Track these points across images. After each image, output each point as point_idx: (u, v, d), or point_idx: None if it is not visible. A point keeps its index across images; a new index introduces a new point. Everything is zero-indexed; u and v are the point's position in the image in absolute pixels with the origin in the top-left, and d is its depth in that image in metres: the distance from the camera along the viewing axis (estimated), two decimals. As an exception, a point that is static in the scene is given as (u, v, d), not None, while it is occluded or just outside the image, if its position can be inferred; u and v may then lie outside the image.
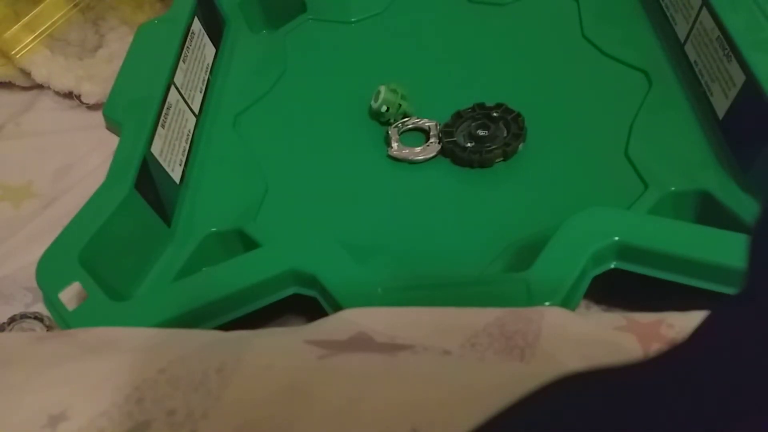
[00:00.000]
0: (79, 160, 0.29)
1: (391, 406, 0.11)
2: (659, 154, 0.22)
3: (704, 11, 0.23)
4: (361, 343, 0.13)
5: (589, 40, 0.27)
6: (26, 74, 0.31)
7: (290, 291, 0.18)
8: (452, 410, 0.10)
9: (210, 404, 0.11)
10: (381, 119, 0.26)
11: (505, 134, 0.24)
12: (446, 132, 0.25)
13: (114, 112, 0.24)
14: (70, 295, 0.18)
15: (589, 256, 0.17)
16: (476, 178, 0.23)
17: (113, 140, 0.23)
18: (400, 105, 0.26)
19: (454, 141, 0.24)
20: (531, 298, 0.16)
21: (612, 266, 0.17)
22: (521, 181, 0.23)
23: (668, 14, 0.26)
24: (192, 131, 0.26)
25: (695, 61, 0.24)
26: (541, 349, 0.12)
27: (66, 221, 0.20)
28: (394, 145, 0.25)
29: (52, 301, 0.18)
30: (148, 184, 0.22)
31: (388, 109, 0.25)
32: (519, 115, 0.24)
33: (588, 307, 0.19)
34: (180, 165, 0.24)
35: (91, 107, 0.31)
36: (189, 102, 0.26)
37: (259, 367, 0.12)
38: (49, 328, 0.22)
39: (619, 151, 0.22)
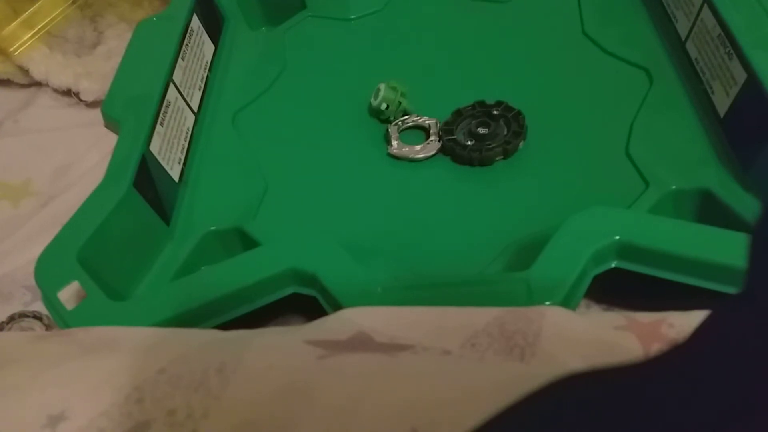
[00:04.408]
0: (77, 158, 0.29)
1: (391, 406, 0.11)
2: (660, 153, 0.22)
3: (705, 9, 0.23)
4: (360, 343, 0.13)
5: (590, 38, 0.27)
6: (24, 71, 0.31)
7: (290, 290, 0.18)
8: (452, 410, 0.10)
9: (210, 404, 0.11)
10: (381, 117, 0.26)
11: (505, 132, 0.24)
12: (446, 130, 0.24)
13: (113, 110, 0.24)
14: (68, 294, 0.18)
15: (589, 255, 0.16)
16: (476, 177, 0.23)
17: (112, 138, 0.23)
18: (399, 103, 0.25)
19: (454, 139, 0.24)
20: (531, 298, 0.16)
21: (612, 266, 0.17)
22: (521, 179, 0.23)
23: (669, 11, 0.26)
24: (191, 129, 0.26)
25: (696, 59, 0.24)
26: (542, 349, 0.12)
27: (65, 220, 0.20)
28: (394, 143, 0.25)
29: (50, 300, 0.18)
30: (146, 182, 0.22)
31: (387, 106, 0.25)
32: (519, 113, 0.24)
33: (588, 306, 0.19)
34: (179, 163, 0.24)
35: (90, 104, 0.31)
36: (188, 100, 0.26)
37: (259, 367, 0.12)
38: (48, 327, 0.22)
39: (619, 150, 0.22)
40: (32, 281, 0.18)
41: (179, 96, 0.25)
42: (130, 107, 0.24)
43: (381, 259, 0.21)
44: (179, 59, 0.26)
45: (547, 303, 0.16)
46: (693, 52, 0.24)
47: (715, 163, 0.21)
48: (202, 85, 0.28)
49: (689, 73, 0.24)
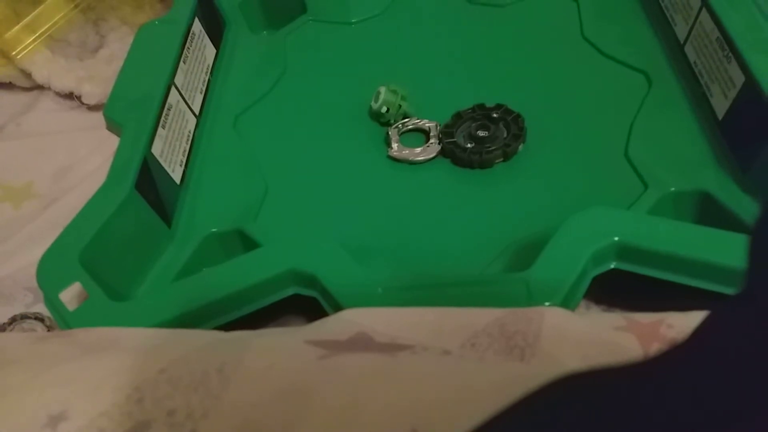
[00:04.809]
0: (79, 160, 0.29)
1: (391, 406, 0.11)
2: (659, 155, 0.22)
3: (704, 12, 0.23)
4: (361, 343, 0.13)
5: (589, 41, 0.27)
6: (27, 75, 0.31)
7: (290, 291, 0.18)
8: (452, 410, 0.10)
9: (210, 404, 0.11)
10: (381, 120, 0.26)
11: (505, 135, 0.24)
12: (446, 133, 0.25)
13: (114, 113, 0.24)
14: (70, 295, 0.18)
15: (589, 256, 0.17)
16: (476, 179, 0.23)
17: (114, 141, 0.23)
18: (400, 106, 0.26)
19: (454, 142, 0.24)
20: (531, 298, 0.16)
21: (612, 266, 0.17)
22: (521, 181, 0.23)
23: (668, 15, 0.26)
24: (192, 132, 0.26)
25: (695, 62, 0.24)
26: (541, 349, 0.12)
27: (66, 222, 0.20)
28: (394, 145, 0.25)
29: (52, 302, 0.18)
30: (148, 184, 0.22)
31: (388, 109, 0.26)
32: (519, 115, 0.24)
33: (588, 307, 0.19)
34: (180, 165, 0.24)
35: (92, 108, 0.31)
36: (189, 102, 0.26)
37: (260, 367, 0.12)
38: (49, 328, 0.22)
39: (618, 152, 0.22)
40: (34, 283, 0.18)
41: (181, 99, 0.26)
42: (131, 110, 0.24)
43: (381, 260, 0.21)
44: (181, 62, 0.26)
45: (547, 303, 0.16)
46: (691, 55, 0.24)
47: (713, 165, 0.21)
48: (204, 88, 0.28)
49: (688, 76, 0.24)
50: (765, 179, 0.19)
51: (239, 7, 0.32)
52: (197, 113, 0.27)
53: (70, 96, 0.31)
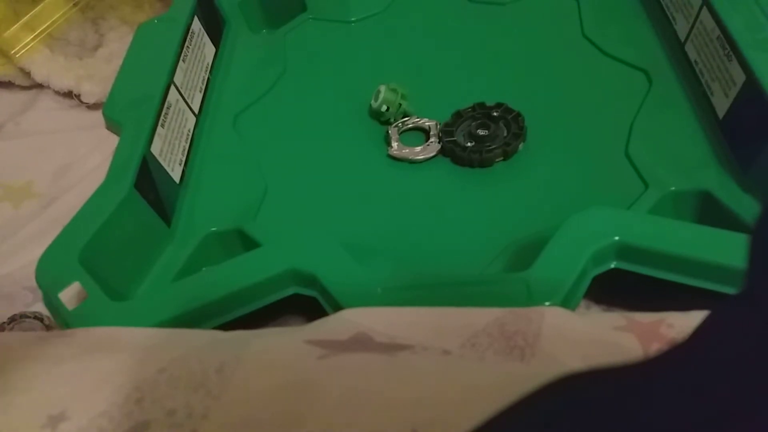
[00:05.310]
0: (79, 159, 0.29)
1: (391, 406, 0.11)
2: (659, 154, 0.22)
3: (704, 11, 0.23)
4: (360, 343, 0.13)
5: (590, 40, 0.27)
6: (26, 74, 0.31)
7: (290, 291, 0.18)
8: (452, 410, 0.10)
9: (210, 404, 0.11)
10: (381, 119, 0.26)
11: (505, 134, 0.24)
12: (446, 131, 0.25)
13: (114, 112, 0.24)
14: (69, 294, 0.18)
15: (589, 256, 0.17)
16: (476, 178, 0.23)
17: (113, 140, 0.23)
18: (400, 104, 0.26)
19: (454, 140, 0.24)
20: (531, 298, 0.16)
21: (612, 266, 0.17)
22: (521, 180, 0.23)
23: (668, 13, 0.26)
24: (192, 131, 0.26)
25: (695, 61, 0.24)
26: (541, 349, 0.12)
27: (66, 221, 0.20)
28: (394, 144, 0.25)
29: (52, 301, 0.18)
30: (147, 183, 0.22)
31: (388, 108, 0.25)
32: (519, 114, 0.24)
33: (588, 307, 0.19)
34: (180, 164, 0.24)
35: (91, 107, 0.31)
36: (189, 101, 0.26)
37: (259, 367, 0.12)
38: (49, 327, 0.22)
39: (619, 151, 0.22)
40: (33, 282, 0.18)
41: (180, 98, 0.26)
42: (131, 109, 0.24)
43: (381, 260, 0.21)
44: (180, 61, 0.26)
45: (547, 303, 0.16)
46: (692, 54, 0.24)
47: (714, 164, 0.21)
48: (203, 87, 0.28)
49: (688, 75, 0.24)
50: (765, 179, 0.19)
51: (239, 5, 0.32)
52: (197, 112, 0.27)
53: (69, 95, 0.31)
